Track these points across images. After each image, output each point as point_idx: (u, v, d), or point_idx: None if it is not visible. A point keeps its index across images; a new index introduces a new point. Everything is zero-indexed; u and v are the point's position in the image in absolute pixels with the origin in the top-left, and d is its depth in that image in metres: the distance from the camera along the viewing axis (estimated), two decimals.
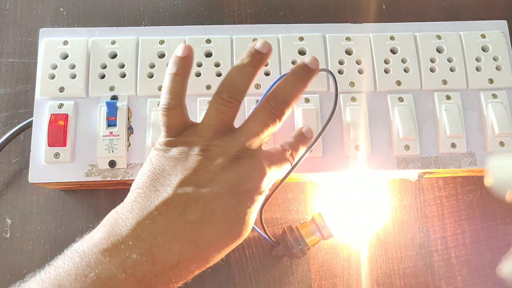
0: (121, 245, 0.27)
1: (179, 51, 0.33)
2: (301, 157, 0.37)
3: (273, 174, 0.33)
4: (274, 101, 0.33)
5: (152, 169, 0.31)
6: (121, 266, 0.26)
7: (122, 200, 0.46)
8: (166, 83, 0.33)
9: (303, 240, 0.43)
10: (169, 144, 0.32)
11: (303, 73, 0.35)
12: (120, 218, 0.28)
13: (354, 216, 0.42)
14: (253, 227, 0.43)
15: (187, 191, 0.29)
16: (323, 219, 0.43)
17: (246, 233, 0.31)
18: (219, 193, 0.29)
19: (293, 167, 0.36)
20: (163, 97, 0.33)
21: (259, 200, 0.32)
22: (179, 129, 0.33)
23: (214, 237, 0.29)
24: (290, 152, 0.36)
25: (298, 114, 0.42)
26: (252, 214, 0.31)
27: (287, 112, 0.34)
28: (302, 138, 0.38)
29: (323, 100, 0.43)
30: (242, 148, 0.32)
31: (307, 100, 0.43)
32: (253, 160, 0.32)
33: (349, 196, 0.43)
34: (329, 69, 0.44)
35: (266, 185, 0.32)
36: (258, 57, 0.34)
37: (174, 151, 0.31)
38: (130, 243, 0.27)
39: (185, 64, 0.33)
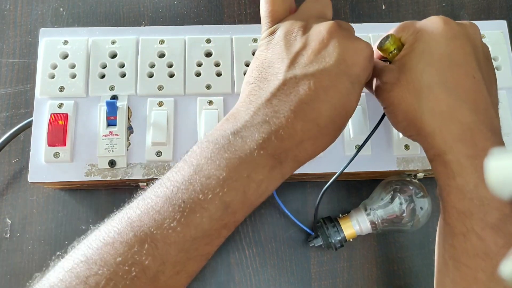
0: (250, 127, 0.28)
1: None
2: (354, 156, 0.38)
3: (370, 49, 0.32)
4: None
5: (259, 64, 0.31)
6: (253, 144, 0.27)
7: (123, 200, 0.46)
8: None
9: (342, 232, 0.43)
10: (270, 33, 0.33)
11: None
12: (240, 110, 0.30)
13: (393, 213, 0.43)
14: (290, 217, 0.44)
15: (296, 73, 0.29)
16: (363, 214, 0.44)
17: (355, 108, 0.31)
18: (328, 69, 0.29)
19: (347, 165, 0.37)
20: None
21: (363, 77, 0.31)
22: (280, 18, 0.33)
23: (332, 114, 0.29)
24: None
25: None
26: (359, 88, 0.31)
27: None
28: None
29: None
30: (340, 24, 0.32)
31: None
32: (352, 35, 0.32)
33: (390, 192, 0.44)
34: None
35: (369, 60, 0.32)
36: None
37: (276, 38, 0.32)
38: (257, 125, 0.28)
39: None
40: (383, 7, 0.54)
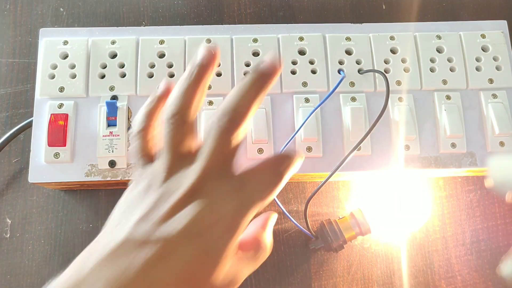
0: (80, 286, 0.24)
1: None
2: (348, 154, 0.37)
3: (250, 204, 0.27)
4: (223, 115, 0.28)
5: (122, 204, 0.29)
6: None
7: None
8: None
9: (341, 234, 0.43)
10: (140, 174, 0.30)
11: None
12: (85, 256, 0.26)
13: (393, 214, 0.43)
14: (291, 220, 0.44)
15: (145, 229, 0.25)
16: (363, 215, 0.44)
17: (219, 275, 0.26)
18: (177, 233, 0.25)
19: (341, 163, 0.35)
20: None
21: (231, 239, 0.26)
22: (150, 156, 0.31)
23: (175, 283, 0.24)
24: (278, 167, 0.29)
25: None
26: (222, 254, 0.26)
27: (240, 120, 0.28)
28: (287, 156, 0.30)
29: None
30: (201, 177, 0.27)
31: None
32: (219, 188, 0.27)
33: (390, 193, 0.44)
34: (329, 69, 0.44)
35: (240, 219, 0.26)
36: (200, 72, 0.30)
37: (141, 183, 0.29)
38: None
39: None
40: (383, 7, 0.54)
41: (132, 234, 0.25)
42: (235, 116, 0.28)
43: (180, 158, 0.28)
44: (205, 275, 0.25)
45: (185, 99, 0.29)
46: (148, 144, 0.31)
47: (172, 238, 0.25)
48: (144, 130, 0.31)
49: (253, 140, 0.42)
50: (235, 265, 0.28)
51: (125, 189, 0.47)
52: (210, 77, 0.31)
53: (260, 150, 0.42)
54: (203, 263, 0.25)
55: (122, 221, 0.27)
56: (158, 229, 0.25)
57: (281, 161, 0.29)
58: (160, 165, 0.28)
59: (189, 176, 0.27)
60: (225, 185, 0.27)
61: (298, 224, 0.44)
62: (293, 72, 0.44)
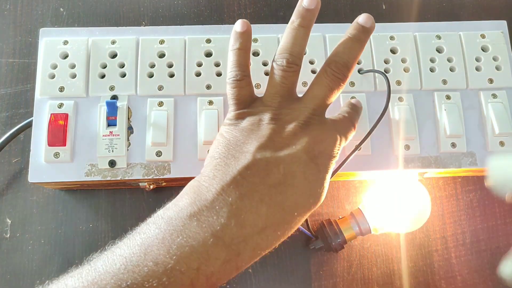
0: (208, 209, 0.26)
1: (238, 27, 0.34)
2: (350, 153, 0.37)
3: (341, 139, 0.33)
4: (336, 65, 0.33)
5: (227, 142, 0.31)
6: (209, 230, 0.26)
7: (123, 200, 0.47)
8: (231, 57, 0.34)
9: (341, 234, 0.43)
10: (239, 117, 0.33)
11: (360, 34, 0.35)
12: (203, 185, 0.28)
13: (393, 214, 0.43)
14: None
15: (266, 155, 0.29)
16: (362, 215, 0.44)
17: (323, 197, 0.31)
18: (297, 156, 0.29)
19: (343, 162, 0.37)
20: (231, 71, 0.34)
21: (332, 165, 0.32)
22: (247, 101, 0.34)
23: (298, 200, 0.29)
24: (351, 120, 0.36)
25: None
26: (328, 178, 0.31)
27: (349, 75, 0.34)
28: (354, 108, 0.38)
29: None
30: (310, 114, 0.32)
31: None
32: (322, 125, 0.32)
33: (390, 193, 0.44)
34: None
35: (337, 149, 0.32)
36: (308, 16, 0.34)
37: (245, 122, 0.32)
38: (217, 207, 0.26)
39: (246, 38, 0.34)
40: (383, 7, 0.54)
41: (255, 160, 0.29)
42: (344, 67, 0.33)
43: (289, 100, 0.33)
44: (319, 191, 0.30)
45: (298, 46, 0.33)
46: (243, 91, 0.34)
47: (293, 161, 0.29)
48: (241, 80, 0.33)
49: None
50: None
51: (125, 189, 0.47)
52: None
53: None
54: (317, 183, 0.30)
55: (237, 153, 0.30)
56: (278, 154, 0.29)
57: (354, 114, 0.37)
58: (269, 104, 0.33)
59: (302, 113, 0.32)
60: (326, 123, 0.33)
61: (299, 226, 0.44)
62: None
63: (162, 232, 0.26)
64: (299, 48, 0.33)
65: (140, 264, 0.25)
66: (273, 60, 0.34)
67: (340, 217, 0.45)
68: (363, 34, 0.35)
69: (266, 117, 0.32)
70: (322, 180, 0.31)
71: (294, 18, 0.34)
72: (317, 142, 0.31)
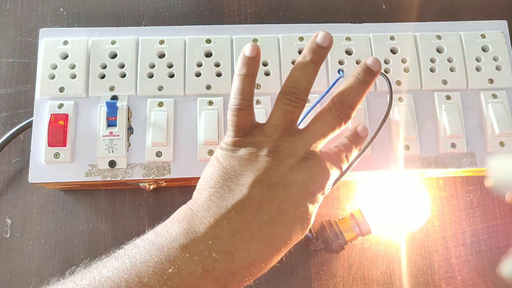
0: (201, 242, 0.27)
1: (247, 51, 0.33)
2: (354, 159, 0.37)
3: (333, 175, 0.34)
4: (341, 105, 0.34)
5: (223, 169, 0.31)
6: (200, 264, 0.26)
7: (122, 200, 0.47)
8: (236, 83, 0.33)
9: (342, 235, 0.43)
10: (237, 144, 0.33)
11: (367, 76, 0.35)
12: (196, 216, 0.29)
13: (393, 214, 0.43)
14: None
15: (262, 191, 0.29)
16: (362, 216, 0.44)
17: (308, 228, 0.32)
18: (291, 194, 0.30)
19: (346, 169, 0.36)
20: (234, 98, 0.33)
21: (321, 199, 0.33)
22: (247, 129, 0.33)
23: (286, 235, 0.30)
24: (345, 154, 0.36)
25: None
26: (316, 210, 0.32)
27: (353, 115, 0.34)
28: (356, 138, 0.37)
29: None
30: (309, 150, 0.32)
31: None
32: (318, 161, 0.32)
33: (390, 193, 0.44)
34: (329, 68, 0.44)
35: (329, 185, 0.33)
36: (320, 53, 0.34)
37: (243, 151, 0.32)
38: (210, 241, 0.27)
39: (254, 64, 0.33)
40: (383, 7, 0.54)
41: (251, 195, 0.29)
42: (349, 108, 0.34)
43: (289, 133, 0.33)
44: (308, 223, 0.31)
45: (307, 81, 0.33)
46: (245, 120, 0.33)
47: (286, 199, 0.30)
48: (244, 109, 0.33)
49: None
50: None
51: (125, 189, 0.47)
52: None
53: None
54: (306, 217, 0.31)
55: (233, 185, 0.30)
56: (273, 191, 0.30)
57: (350, 145, 0.37)
58: (269, 136, 0.32)
59: (301, 148, 0.32)
60: (322, 158, 0.33)
61: None
62: None
63: (154, 260, 0.27)
64: (308, 83, 0.33)
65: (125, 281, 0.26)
66: (281, 92, 0.33)
67: (340, 218, 0.45)
68: (370, 76, 0.35)
69: (265, 149, 0.32)
70: (311, 214, 0.31)
71: (306, 53, 0.33)
72: (312, 181, 0.31)
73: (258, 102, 0.43)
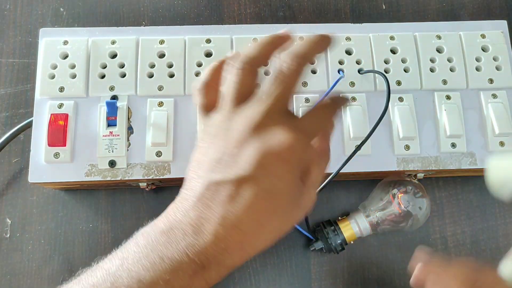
0: (178, 228, 0.28)
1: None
2: (351, 155, 0.37)
3: (304, 141, 0.29)
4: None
5: (195, 158, 0.31)
6: (178, 246, 0.27)
7: (123, 200, 0.47)
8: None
9: (341, 234, 0.43)
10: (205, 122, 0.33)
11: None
12: (177, 204, 0.29)
13: (392, 214, 0.43)
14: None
15: (216, 178, 0.28)
16: (362, 215, 0.43)
17: (286, 208, 0.29)
18: (247, 172, 0.28)
19: (342, 166, 0.35)
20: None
21: (291, 170, 0.28)
22: (210, 108, 0.33)
23: (254, 218, 0.28)
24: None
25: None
26: (288, 184, 0.28)
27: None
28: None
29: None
30: (264, 113, 0.29)
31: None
32: (276, 127, 0.28)
33: (388, 192, 0.44)
34: (329, 69, 0.44)
35: (290, 156, 0.28)
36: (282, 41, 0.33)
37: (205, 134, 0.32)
38: (184, 228, 0.28)
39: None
40: (383, 7, 0.54)
41: (209, 181, 0.29)
42: (302, 61, 0.31)
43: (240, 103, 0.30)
44: (280, 204, 0.28)
45: (257, 52, 0.32)
46: (208, 97, 0.32)
47: (241, 179, 0.28)
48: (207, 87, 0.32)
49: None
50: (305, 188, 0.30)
51: (125, 189, 0.47)
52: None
53: None
54: (269, 200, 0.28)
55: (200, 172, 0.29)
56: (230, 171, 0.28)
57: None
58: (221, 113, 0.31)
59: (251, 116, 0.29)
60: (282, 123, 0.29)
61: (298, 226, 0.44)
62: None
63: (140, 247, 0.28)
64: (257, 54, 0.32)
65: (118, 277, 0.27)
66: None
67: (340, 218, 0.45)
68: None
69: (220, 129, 0.31)
70: (278, 190, 0.29)
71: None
72: (267, 155, 0.28)
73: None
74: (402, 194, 0.43)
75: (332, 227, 0.44)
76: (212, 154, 0.29)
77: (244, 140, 0.29)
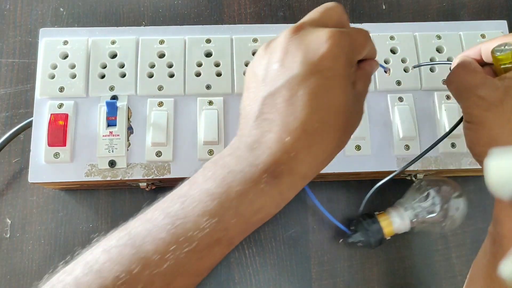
0: (243, 148, 0.28)
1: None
2: (424, 151, 0.37)
3: (332, 34, 0.28)
4: None
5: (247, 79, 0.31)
6: (246, 162, 0.27)
7: (123, 200, 0.47)
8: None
9: (381, 229, 0.43)
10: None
11: None
12: (240, 128, 0.30)
13: (430, 213, 0.43)
14: (326, 215, 0.44)
15: (269, 90, 0.28)
16: (404, 213, 0.43)
17: (347, 101, 0.28)
18: (295, 75, 0.27)
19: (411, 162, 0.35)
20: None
21: (338, 66, 0.28)
22: None
23: (316, 118, 0.27)
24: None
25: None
26: (340, 79, 0.28)
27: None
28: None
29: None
30: (294, 28, 0.29)
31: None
32: (308, 32, 0.29)
33: (426, 192, 0.44)
34: None
35: (337, 47, 0.28)
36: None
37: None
38: (249, 147, 0.28)
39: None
40: (384, 7, 0.54)
41: (262, 95, 0.29)
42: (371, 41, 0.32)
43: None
44: (338, 98, 0.28)
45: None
46: None
47: (292, 80, 0.28)
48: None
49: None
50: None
51: (125, 189, 0.47)
52: None
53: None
54: (325, 95, 0.28)
55: (252, 92, 0.29)
56: (279, 79, 0.28)
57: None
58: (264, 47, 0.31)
59: (279, 39, 0.29)
60: (303, 30, 0.29)
61: (333, 219, 0.44)
62: None
63: (207, 170, 0.28)
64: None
65: (187, 195, 0.27)
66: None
67: (377, 212, 0.44)
68: None
69: (262, 47, 0.31)
70: (334, 85, 0.28)
71: None
72: (310, 51, 0.28)
73: None
74: (440, 194, 0.43)
75: (373, 220, 0.43)
76: (259, 76, 0.29)
77: (286, 46, 0.28)
